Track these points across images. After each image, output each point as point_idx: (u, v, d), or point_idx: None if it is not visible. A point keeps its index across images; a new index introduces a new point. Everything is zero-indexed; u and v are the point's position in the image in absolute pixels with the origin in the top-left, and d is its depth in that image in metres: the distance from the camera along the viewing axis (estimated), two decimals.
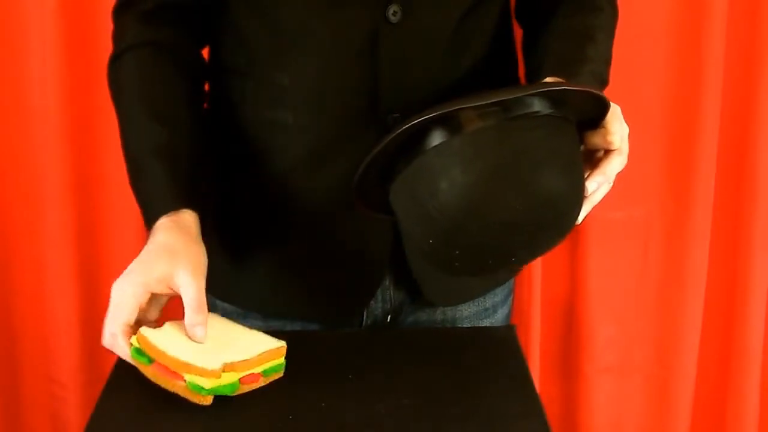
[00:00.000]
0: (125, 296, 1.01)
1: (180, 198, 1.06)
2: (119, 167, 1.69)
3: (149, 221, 1.07)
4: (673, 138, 1.76)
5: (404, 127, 0.89)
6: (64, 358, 1.77)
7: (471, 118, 0.90)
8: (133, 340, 0.99)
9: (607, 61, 1.12)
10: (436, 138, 0.90)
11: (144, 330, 0.99)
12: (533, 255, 1.00)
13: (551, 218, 0.94)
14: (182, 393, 0.96)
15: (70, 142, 1.67)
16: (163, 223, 1.04)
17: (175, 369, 0.96)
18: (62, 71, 1.63)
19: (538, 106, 0.91)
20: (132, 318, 1.00)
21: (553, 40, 1.11)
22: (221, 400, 0.97)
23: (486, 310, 1.26)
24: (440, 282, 1.19)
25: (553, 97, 0.92)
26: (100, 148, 1.70)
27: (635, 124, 1.73)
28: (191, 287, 0.99)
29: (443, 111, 0.89)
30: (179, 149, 1.08)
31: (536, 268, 1.79)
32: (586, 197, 0.98)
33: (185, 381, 0.95)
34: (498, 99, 0.90)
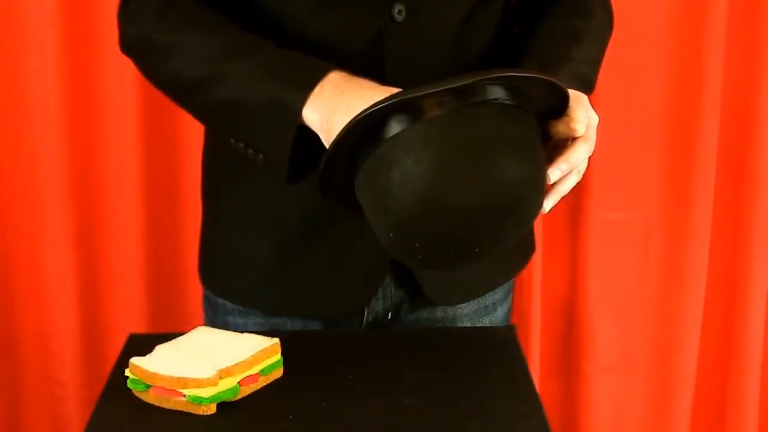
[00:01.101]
0: None
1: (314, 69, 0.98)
2: (119, 167, 1.71)
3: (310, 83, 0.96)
4: (673, 138, 1.77)
5: (355, 120, 0.88)
6: (64, 358, 1.77)
7: (424, 106, 0.89)
8: (127, 371, 0.99)
9: (592, 64, 1.12)
10: (393, 128, 0.89)
11: (135, 360, 0.99)
12: (497, 245, 0.97)
13: (508, 205, 0.92)
14: (185, 408, 0.96)
15: (70, 142, 1.67)
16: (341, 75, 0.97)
17: (172, 387, 0.96)
18: (62, 71, 1.63)
19: (496, 93, 0.90)
20: None
21: (537, 40, 1.12)
22: (221, 402, 0.97)
23: (486, 307, 1.26)
24: (440, 281, 1.19)
25: (508, 86, 0.90)
26: (100, 148, 1.70)
27: (635, 125, 1.74)
28: None
29: (395, 100, 0.88)
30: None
31: (536, 268, 1.79)
32: (549, 185, 0.97)
33: (185, 396, 0.96)
34: (447, 86, 0.88)
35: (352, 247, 1.15)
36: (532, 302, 1.81)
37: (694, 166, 1.75)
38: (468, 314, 1.25)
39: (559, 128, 0.98)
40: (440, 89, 0.88)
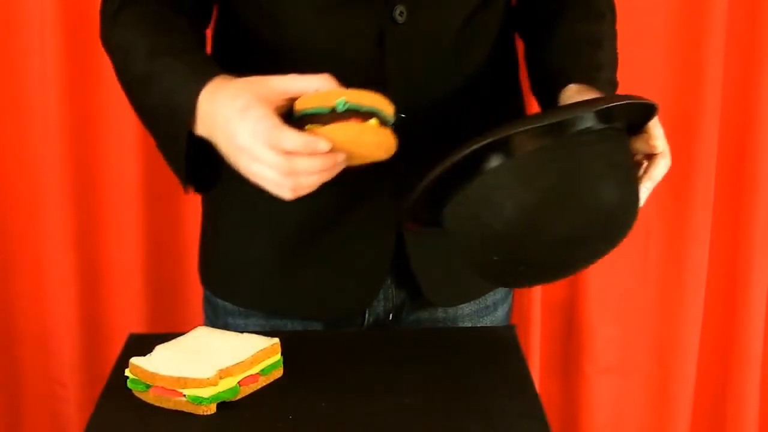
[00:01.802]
0: (257, 113, 0.93)
1: (208, 69, 0.99)
2: (119, 167, 1.70)
3: (188, 110, 0.98)
4: (673, 138, 1.76)
5: (465, 153, 0.90)
6: (64, 358, 1.77)
7: (527, 139, 0.91)
8: (127, 371, 1.00)
9: (614, 67, 1.14)
10: (495, 160, 0.92)
11: (135, 360, 0.99)
12: (591, 263, 1.02)
13: (612, 230, 0.97)
14: (185, 408, 0.97)
15: (70, 142, 1.67)
16: (212, 87, 0.97)
17: (172, 387, 0.97)
18: (62, 71, 1.63)
19: (591, 121, 0.93)
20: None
21: (564, 46, 1.12)
22: (221, 402, 0.97)
23: (487, 307, 1.26)
24: (441, 284, 1.19)
25: (605, 112, 0.93)
26: (100, 148, 1.70)
27: None
28: (293, 78, 0.96)
29: (500, 135, 0.90)
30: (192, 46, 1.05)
31: None
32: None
33: (185, 396, 0.96)
34: (552, 120, 0.91)
35: (354, 249, 1.15)
36: (532, 302, 1.80)
37: (694, 166, 1.75)
38: (469, 314, 1.25)
39: (639, 146, 1.01)
40: (542, 124, 0.91)
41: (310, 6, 1.05)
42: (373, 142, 0.95)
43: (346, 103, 0.92)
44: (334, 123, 0.93)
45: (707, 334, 1.88)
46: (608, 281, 1.82)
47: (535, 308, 1.81)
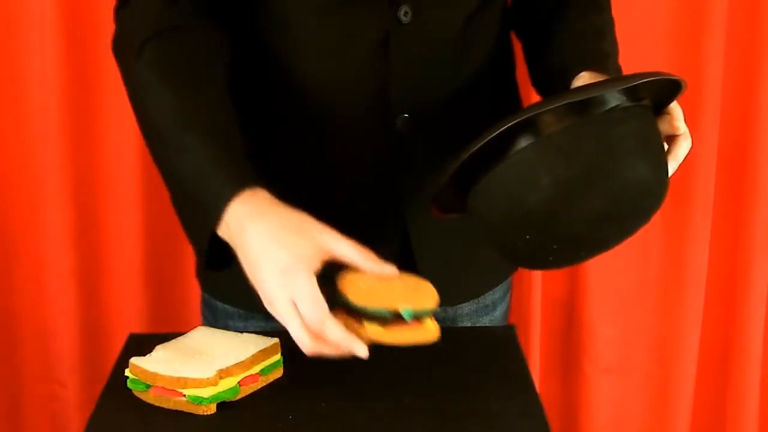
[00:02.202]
0: (305, 288, 0.92)
1: (248, 175, 0.98)
2: (119, 167, 1.70)
3: (217, 201, 0.96)
4: None
5: (494, 134, 0.89)
6: (64, 358, 1.77)
7: (558, 117, 0.91)
8: (127, 371, 1.00)
9: (617, 55, 1.14)
10: (524, 139, 0.92)
11: (135, 360, 0.99)
12: (622, 239, 1.02)
13: (644, 206, 0.98)
14: (185, 408, 0.97)
15: (70, 142, 1.67)
16: (247, 200, 0.96)
17: (172, 387, 0.97)
18: (62, 71, 1.63)
19: (619, 99, 0.93)
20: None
21: (572, 39, 1.12)
22: (221, 402, 0.97)
23: (486, 306, 1.26)
24: (444, 283, 1.19)
25: (631, 90, 0.94)
26: (100, 148, 1.70)
27: None
28: (344, 244, 0.95)
29: (532, 113, 0.90)
30: (230, 129, 1.01)
31: None
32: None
33: (185, 396, 0.96)
34: (584, 96, 0.92)
35: None
36: (532, 302, 1.80)
37: (694, 166, 1.75)
38: (468, 314, 1.25)
39: (662, 127, 1.01)
40: (570, 101, 0.91)
41: (316, 6, 1.05)
42: (425, 339, 0.97)
43: (412, 313, 0.95)
44: (391, 326, 0.94)
45: (707, 334, 1.88)
46: (608, 281, 1.82)
47: (534, 307, 1.81)
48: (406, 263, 1.15)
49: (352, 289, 0.94)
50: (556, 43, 1.13)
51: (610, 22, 1.17)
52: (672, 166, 1.02)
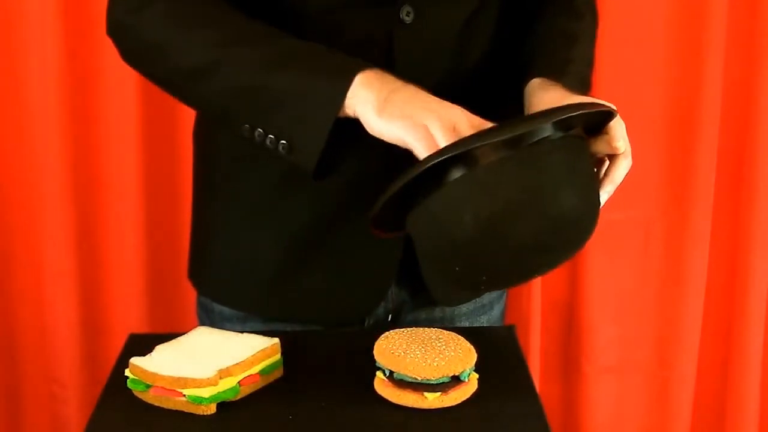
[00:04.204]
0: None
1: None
2: (119, 167, 1.70)
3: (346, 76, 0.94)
4: (673, 139, 1.77)
5: (426, 165, 0.90)
6: (64, 358, 1.77)
7: (486, 152, 0.91)
8: (127, 371, 1.00)
9: (589, 64, 1.13)
10: (455, 171, 0.91)
11: (135, 360, 0.99)
12: (553, 268, 1.02)
13: (574, 236, 0.96)
14: (185, 408, 0.97)
15: (70, 142, 1.67)
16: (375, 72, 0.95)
17: (172, 387, 0.97)
18: (62, 71, 1.63)
19: (549, 131, 0.92)
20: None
21: (538, 42, 1.13)
22: (221, 402, 0.97)
23: (483, 306, 1.26)
24: (448, 288, 1.20)
25: (563, 121, 0.93)
26: (100, 148, 1.70)
27: (635, 125, 1.73)
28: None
29: (461, 149, 0.90)
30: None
31: None
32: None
33: (185, 396, 0.96)
34: (512, 135, 0.91)
35: (359, 256, 1.15)
36: (532, 302, 1.81)
37: (694, 166, 1.75)
38: (466, 313, 1.25)
39: (600, 147, 0.99)
40: (501, 139, 0.90)
41: (318, 7, 1.05)
42: (472, 390, 1.00)
43: (468, 372, 0.99)
44: (450, 390, 0.98)
45: (707, 334, 1.88)
46: (608, 281, 1.82)
47: (535, 308, 1.81)
48: (407, 265, 1.15)
49: (395, 361, 0.98)
50: (525, 45, 1.13)
51: (587, 30, 1.16)
52: (609, 189, 1.01)
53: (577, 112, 0.92)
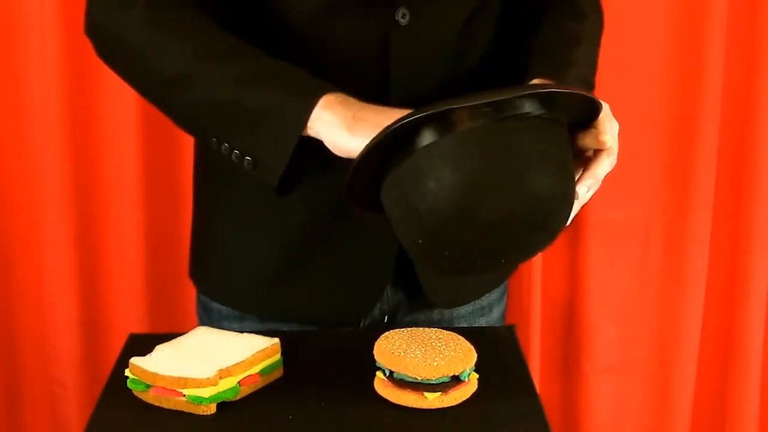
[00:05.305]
0: None
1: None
2: (119, 167, 1.70)
3: (307, 101, 0.95)
4: (673, 138, 1.77)
5: (394, 126, 0.89)
6: (64, 358, 1.77)
7: (461, 118, 0.89)
8: (127, 371, 1.00)
9: (592, 65, 1.13)
10: (427, 137, 0.90)
11: (135, 360, 0.99)
12: (523, 256, 1.00)
13: (540, 219, 0.93)
14: (185, 408, 0.97)
15: (70, 142, 1.67)
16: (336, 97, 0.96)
17: (172, 387, 0.97)
18: (62, 71, 1.63)
19: (529, 107, 0.90)
20: None
21: (539, 43, 1.12)
22: (221, 402, 0.97)
23: (482, 308, 1.26)
24: (443, 286, 1.19)
25: (544, 99, 0.91)
26: (100, 149, 1.70)
27: (635, 125, 1.74)
28: None
29: (433, 111, 0.88)
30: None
31: (536, 268, 1.79)
32: (576, 199, 0.98)
33: (185, 396, 0.96)
34: (488, 100, 0.89)
35: (355, 257, 1.15)
36: (532, 302, 1.80)
37: (694, 166, 1.75)
38: (465, 315, 1.25)
39: (587, 141, 0.98)
40: (478, 102, 0.89)
41: (314, 9, 1.05)
42: (473, 390, 1.00)
43: (469, 372, 0.99)
44: (450, 390, 0.98)
45: (707, 334, 1.88)
46: (608, 281, 1.82)
47: (535, 308, 1.81)
48: (406, 267, 1.15)
49: (395, 361, 0.97)
50: (527, 47, 1.13)
51: (591, 32, 1.15)
52: (588, 183, 0.98)
53: (558, 90, 0.91)
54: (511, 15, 1.18)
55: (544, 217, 0.93)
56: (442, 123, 0.89)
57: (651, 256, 1.83)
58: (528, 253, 0.98)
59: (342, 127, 0.94)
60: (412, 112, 0.89)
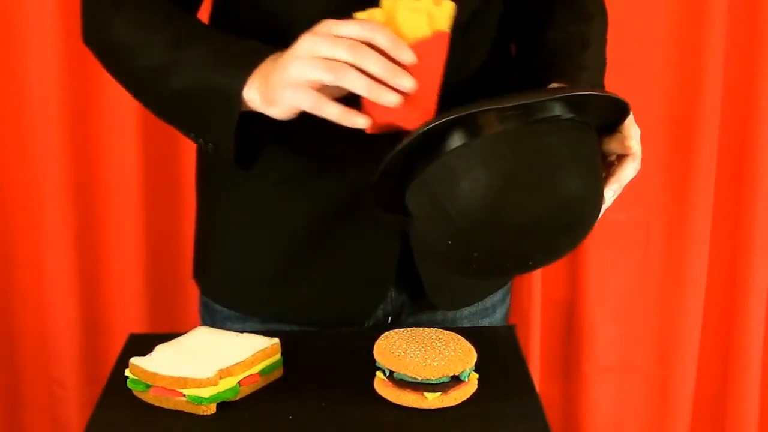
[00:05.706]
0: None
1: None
2: (119, 167, 1.70)
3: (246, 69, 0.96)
4: (673, 139, 1.77)
5: (426, 128, 0.89)
6: (64, 358, 1.77)
7: (491, 121, 0.89)
8: (127, 371, 1.00)
9: (601, 68, 1.13)
10: (457, 140, 0.90)
11: (135, 360, 0.99)
12: (550, 258, 1.00)
13: (570, 222, 0.94)
14: (185, 408, 0.97)
15: (70, 143, 1.67)
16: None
17: (172, 387, 0.97)
18: (62, 71, 1.63)
19: (559, 110, 0.91)
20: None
21: (549, 47, 1.12)
22: (221, 402, 0.97)
23: (485, 309, 1.26)
24: (445, 286, 1.19)
25: (573, 102, 0.92)
26: (100, 149, 1.70)
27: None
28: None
29: (464, 113, 0.89)
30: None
31: None
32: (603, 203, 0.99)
33: (185, 396, 0.96)
34: (519, 102, 0.90)
35: (358, 258, 1.14)
36: (532, 302, 1.80)
37: (694, 166, 1.75)
38: (468, 316, 1.25)
39: (613, 145, 0.99)
40: (507, 105, 0.89)
41: (317, 9, 1.05)
42: (473, 390, 1.00)
43: (469, 372, 0.99)
44: (450, 390, 0.98)
45: (707, 334, 1.88)
46: (608, 281, 1.82)
47: (535, 309, 1.81)
48: (407, 268, 1.15)
49: (395, 361, 0.97)
50: (537, 51, 1.13)
51: (598, 33, 1.15)
52: (615, 188, 0.99)
53: (587, 92, 0.92)
54: (512, 15, 1.18)
55: (573, 220, 0.94)
56: (472, 126, 0.89)
57: (651, 256, 1.83)
58: (556, 255, 0.99)
59: (261, 103, 0.95)
60: (442, 115, 0.89)
